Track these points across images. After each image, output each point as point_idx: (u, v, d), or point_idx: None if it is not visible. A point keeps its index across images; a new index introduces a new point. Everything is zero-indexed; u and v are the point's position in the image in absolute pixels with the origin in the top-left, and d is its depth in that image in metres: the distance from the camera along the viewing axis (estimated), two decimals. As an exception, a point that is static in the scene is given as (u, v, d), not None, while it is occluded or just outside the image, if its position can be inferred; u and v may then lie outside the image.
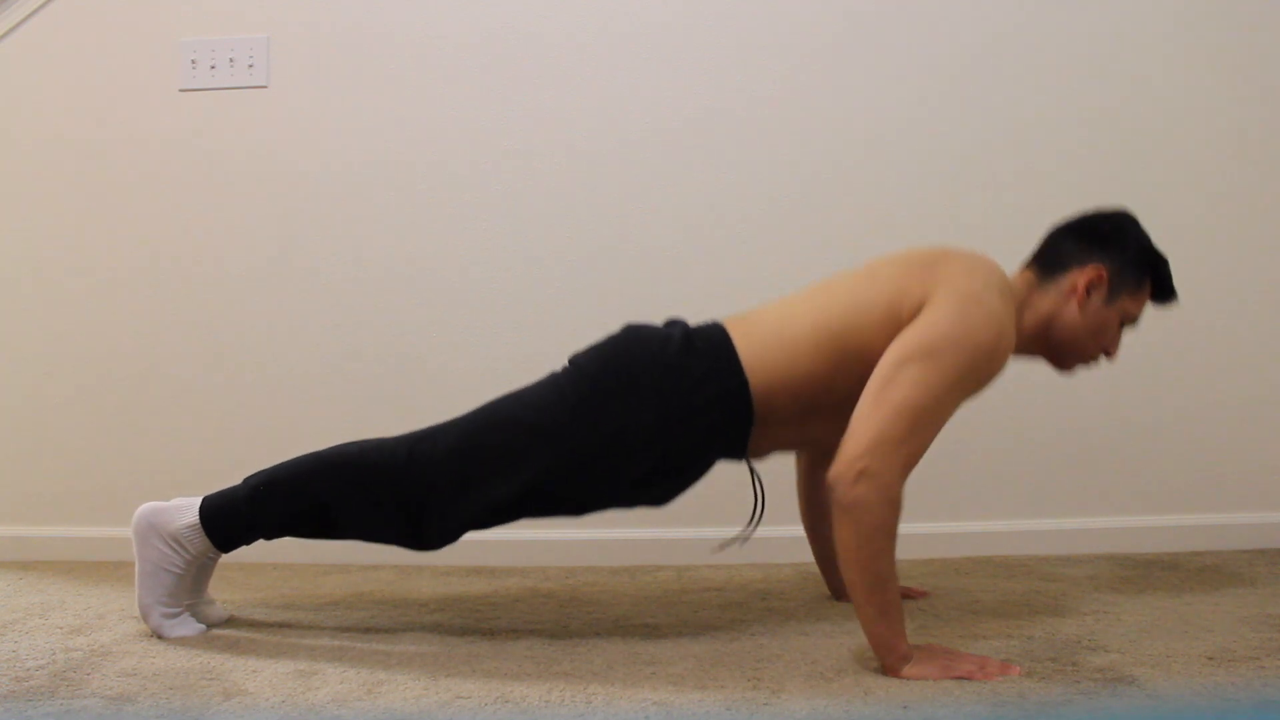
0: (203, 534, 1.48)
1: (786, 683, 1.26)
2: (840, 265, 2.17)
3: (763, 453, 1.52)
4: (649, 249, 2.20)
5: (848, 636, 1.47)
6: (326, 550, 1.87)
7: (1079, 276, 1.47)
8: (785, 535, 1.85)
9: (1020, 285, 1.50)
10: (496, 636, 1.51)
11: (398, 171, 2.23)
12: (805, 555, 1.81)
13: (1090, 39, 2.18)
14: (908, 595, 1.72)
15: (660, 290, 2.19)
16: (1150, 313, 2.21)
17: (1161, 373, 2.16)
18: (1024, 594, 1.74)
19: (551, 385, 1.48)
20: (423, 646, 1.45)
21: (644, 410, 1.41)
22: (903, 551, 2.02)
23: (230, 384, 2.22)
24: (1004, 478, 2.17)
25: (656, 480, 1.46)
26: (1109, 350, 1.52)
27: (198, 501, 1.50)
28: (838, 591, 1.73)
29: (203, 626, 1.52)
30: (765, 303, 1.56)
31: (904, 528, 1.31)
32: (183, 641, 1.47)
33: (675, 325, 1.52)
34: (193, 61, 2.24)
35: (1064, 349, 1.51)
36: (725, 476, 1.60)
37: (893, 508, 1.28)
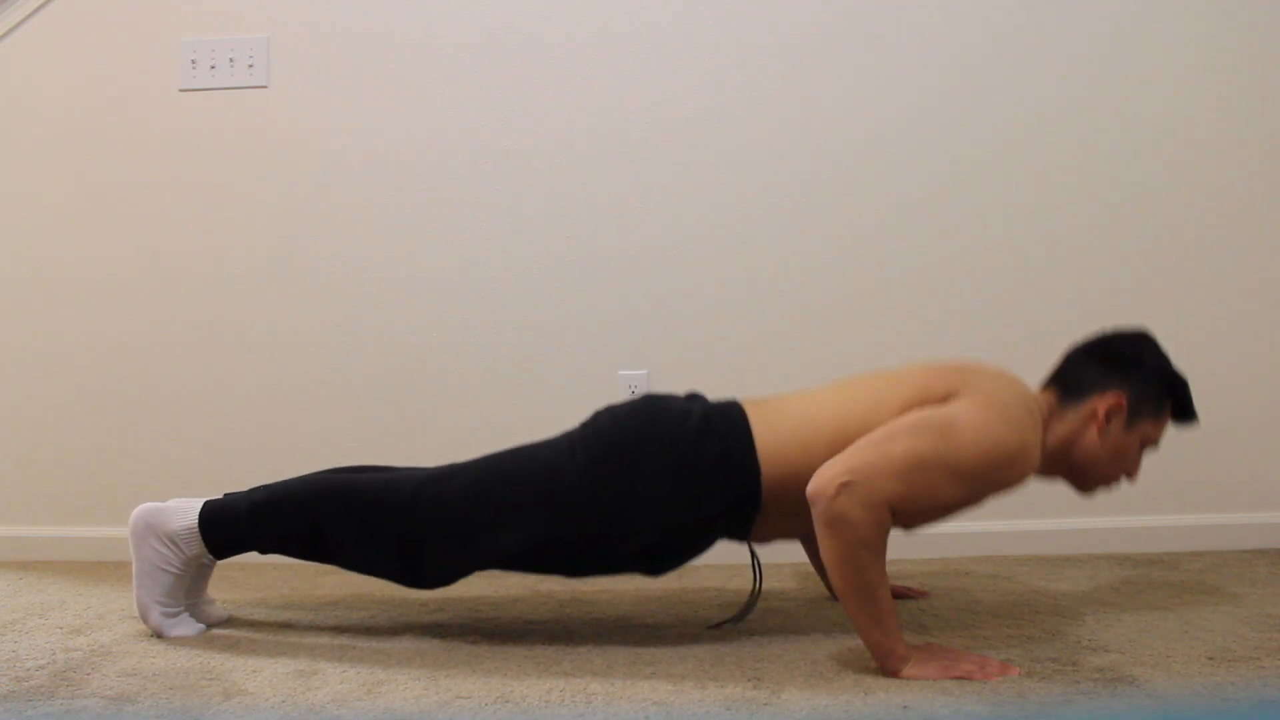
0: (199, 538, 1.48)
1: (786, 683, 1.26)
2: (840, 265, 2.19)
3: (764, 539, 1.51)
4: (649, 249, 2.20)
5: (848, 636, 1.47)
6: (326, 550, 1.86)
7: (1100, 403, 1.44)
8: (785, 535, 1.85)
9: (1043, 405, 1.47)
10: (496, 636, 1.51)
11: (398, 171, 2.23)
12: (805, 555, 1.81)
13: (1090, 39, 2.18)
14: (907, 595, 1.72)
15: (660, 290, 2.19)
16: (1150, 313, 2.22)
17: (1161, 373, 2.16)
18: (1024, 594, 1.74)
19: (565, 446, 1.47)
20: (423, 646, 1.45)
21: (652, 488, 1.40)
22: (904, 552, 2.03)
23: (230, 384, 2.22)
24: (1004, 478, 2.17)
25: (655, 555, 1.45)
26: (1130, 473, 1.50)
27: (196, 504, 1.50)
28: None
29: (202, 626, 1.52)
30: (789, 393, 1.54)
31: (904, 528, 1.31)
32: (183, 641, 1.47)
33: (695, 401, 1.51)
34: (193, 61, 2.24)
35: (1084, 473, 1.49)
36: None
37: (876, 525, 1.26)
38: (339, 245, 2.23)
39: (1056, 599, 1.70)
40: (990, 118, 2.18)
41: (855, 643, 1.43)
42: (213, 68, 2.24)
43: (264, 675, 1.30)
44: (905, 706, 1.16)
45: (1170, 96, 2.18)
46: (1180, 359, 2.17)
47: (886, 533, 1.28)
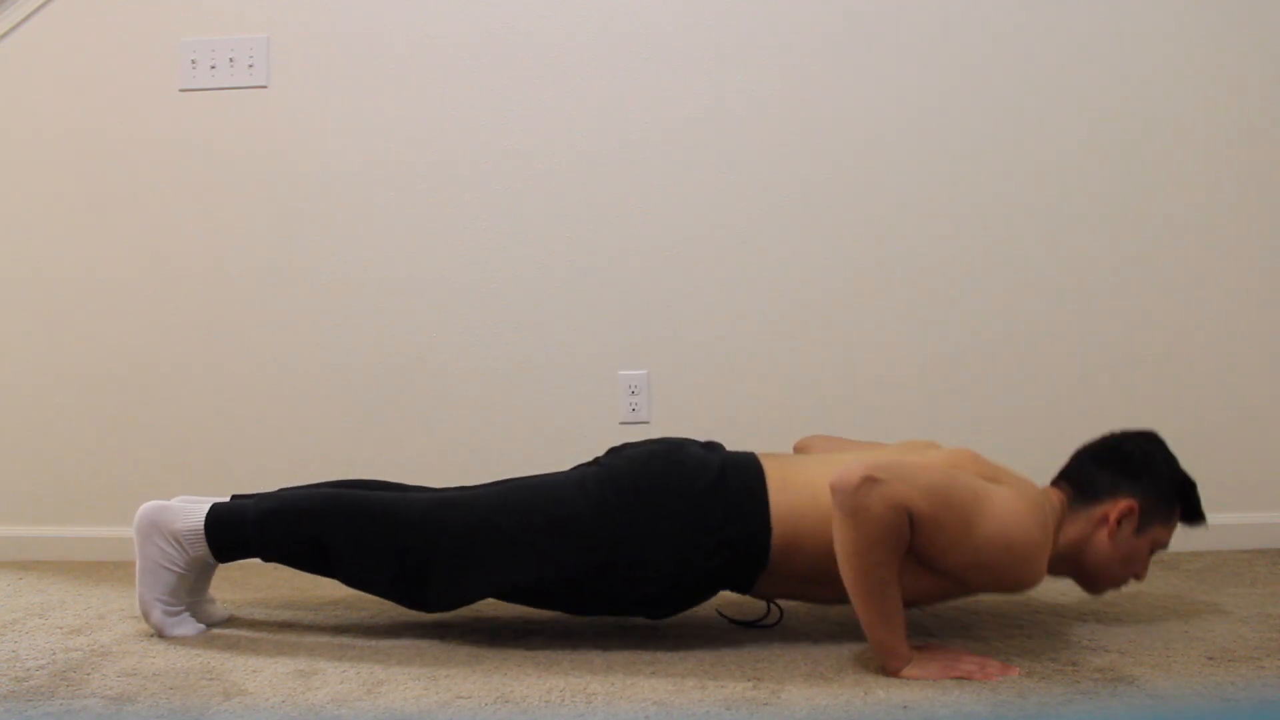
0: (204, 540, 1.48)
1: (786, 683, 1.26)
2: (840, 266, 2.19)
3: (765, 594, 1.50)
4: (649, 249, 2.20)
5: (848, 636, 1.47)
6: (326, 550, 1.86)
7: (1111, 509, 1.44)
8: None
9: (1055, 505, 1.46)
10: (496, 636, 1.51)
11: (398, 171, 2.23)
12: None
13: (1090, 39, 2.18)
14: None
15: (660, 290, 2.19)
16: (1150, 313, 2.22)
17: (1161, 373, 2.16)
18: (1024, 594, 1.74)
19: (576, 481, 1.46)
20: (423, 646, 1.45)
21: (661, 538, 1.40)
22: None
23: (230, 383, 2.22)
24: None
25: (659, 601, 1.45)
26: (1139, 575, 1.49)
27: (202, 505, 1.50)
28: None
29: (203, 626, 1.52)
30: (808, 456, 1.54)
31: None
32: (183, 641, 1.47)
33: (714, 451, 1.50)
34: (193, 61, 2.24)
35: (1094, 575, 1.48)
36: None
37: (895, 527, 1.25)
38: (339, 245, 2.23)
39: (1056, 599, 1.69)
40: (990, 118, 2.18)
41: (856, 643, 1.42)
42: (213, 68, 2.24)
43: (264, 675, 1.30)
44: (905, 706, 1.16)
45: (1170, 96, 2.18)
46: (1181, 358, 2.19)
47: (902, 540, 1.27)
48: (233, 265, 2.24)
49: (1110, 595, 1.71)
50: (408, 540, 1.44)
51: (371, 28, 2.24)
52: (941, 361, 2.18)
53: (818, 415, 2.10)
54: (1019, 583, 1.36)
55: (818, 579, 1.41)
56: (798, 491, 1.41)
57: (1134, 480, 1.46)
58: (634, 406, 2.18)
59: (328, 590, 1.86)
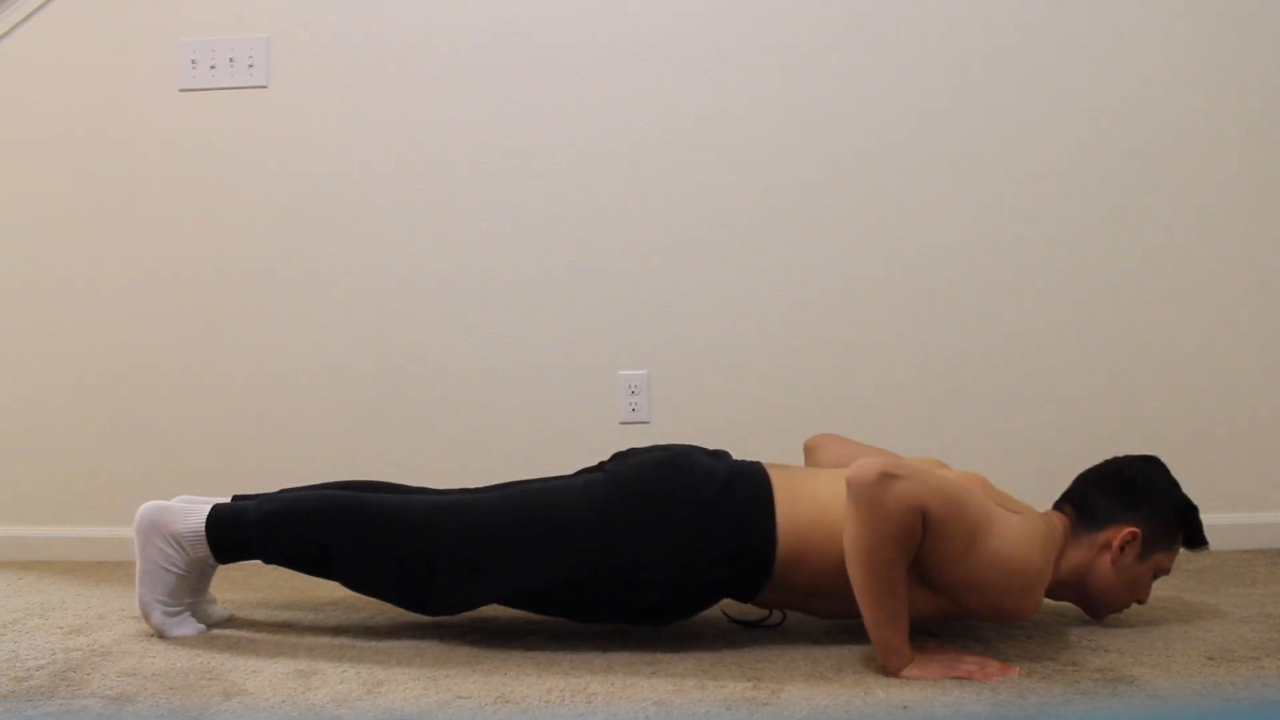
0: (205, 541, 1.47)
1: (786, 683, 1.26)
2: (840, 266, 2.19)
3: (766, 604, 1.49)
4: (649, 249, 2.20)
5: (848, 636, 1.46)
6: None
7: (1114, 535, 1.44)
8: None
9: (1057, 529, 1.47)
10: (496, 636, 1.51)
11: (397, 172, 2.23)
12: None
13: (1090, 39, 2.18)
14: None
15: (660, 290, 2.19)
16: (1150, 313, 2.22)
17: (1161, 374, 2.16)
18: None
19: (581, 487, 1.46)
20: (423, 646, 1.45)
21: (666, 545, 1.39)
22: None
23: (230, 383, 2.22)
24: (1004, 479, 2.16)
25: (661, 608, 1.45)
26: (1141, 600, 1.50)
27: (204, 506, 1.49)
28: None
29: (203, 626, 1.52)
30: (817, 470, 1.53)
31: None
32: (183, 641, 1.47)
33: (721, 460, 1.50)
34: (193, 61, 2.24)
35: (1097, 600, 1.49)
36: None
37: (908, 526, 1.25)
38: (339, 245, 2.23)
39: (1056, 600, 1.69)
40: (991, 118, 2.18)
41: (856, 643, 1.42)
42: (213, 68, 2.24)
43: (264, 675, 1.30)
44: (905, 706, 1.16)
45: (1171, 96, 2.18)
46: (1181, 358, 2.19)
47: (914, 539, 1.27)
48: (233, 265, 2.24)
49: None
50: (410, 545, 1.44)
51: (371, 28, 2.24)
52: (942, 362, 2.18)
53: (818, 415, 2.10)
54: (1015, 609, 1.36)
55: (821, 592, 1.41)
56: (805, 504, 1.40)
57: (1136, 507, 1.46)
58: (634, 406, 2.18)
59: (328, 590, 1.86)
